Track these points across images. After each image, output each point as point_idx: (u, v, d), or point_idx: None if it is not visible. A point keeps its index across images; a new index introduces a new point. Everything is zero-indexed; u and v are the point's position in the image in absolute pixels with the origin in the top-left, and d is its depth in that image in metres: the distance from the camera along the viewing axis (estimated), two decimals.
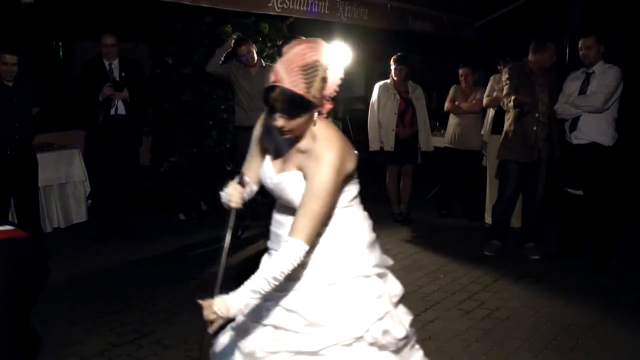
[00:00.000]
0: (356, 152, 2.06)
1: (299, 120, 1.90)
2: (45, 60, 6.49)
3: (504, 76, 4.94)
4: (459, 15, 8.13)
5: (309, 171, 1.94)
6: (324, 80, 1.91)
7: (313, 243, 1.97)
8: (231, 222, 2.15)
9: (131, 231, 5.54)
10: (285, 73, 1.85)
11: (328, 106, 2.00)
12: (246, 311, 1.97)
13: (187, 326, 3.61)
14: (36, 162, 5.05)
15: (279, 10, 5.47)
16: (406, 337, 2.12)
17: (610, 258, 4.67)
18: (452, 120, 6.38)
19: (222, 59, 5.46)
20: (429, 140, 6.24)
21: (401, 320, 2.13)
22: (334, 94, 1.99)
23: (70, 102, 6.40)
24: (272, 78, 1.87)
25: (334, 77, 1.95)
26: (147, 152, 6.56)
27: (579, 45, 4.63)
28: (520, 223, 5.38)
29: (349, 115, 8.75)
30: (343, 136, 2.02)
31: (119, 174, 5.36)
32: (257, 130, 2.15)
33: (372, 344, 2.03)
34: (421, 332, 3.63)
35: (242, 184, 2.16)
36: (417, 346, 2.29)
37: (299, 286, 2.03)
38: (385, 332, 2.03)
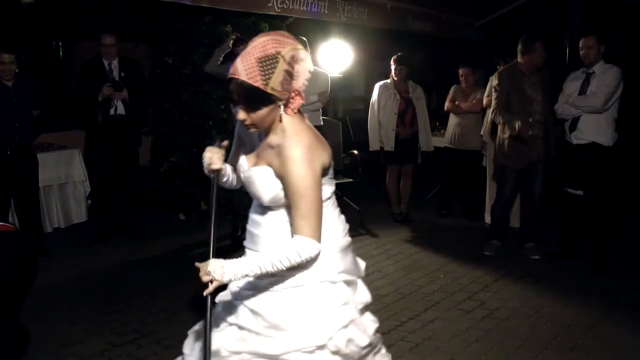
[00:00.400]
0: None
1: (259, 113, 1.87)
2: (45, 60, 6.49)
3: (494, 81, 4.95)
4: (459, 15, 8.14)
5: (280, 170, 1.90)
6: (288, 73, 1.85)
7: (279, 236, 1.98)
8: (215, 185, 2.11)
9: (131, 231, 5.54)
10: (242, 65, 1.82)
11: (298, 101, 1.93)
12: (234, 286, 2.00)
13: (187, 326, 3.58)
14: (36, 163, 5.05)
15: (279, 10, 5.47)
16: (370, 345, 2.08)
17: (610, 258, 4.67)
18: (452, 120, 6.39)
19: (221, 59, 5.46)
20: (429, 140, 6.24)
21: (365, 328, 2.09)
22: (303, 87, 1.92)
23: (70, 102, 6.40)
24: (231, 70, 1.84)
25: (302, 70, 1.88)
26: (147, 152, 6.56)
27: (580, 45, 4.63)
28: (519, 223, 5.38)
29: (349, 116, 8.75)
30: (314, 131, 1.99)
31: (118, 174, 5.36)
32: (237, 124, 2.11)
33: (334, 353, 1.98)
34: (421, 332, 3.65)
35: (220, 147, 2.13)
36: (383, 351, 2.24)
37: (264, 286, 2.00)
38: (349, 341, 2.00)
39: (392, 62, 6.02)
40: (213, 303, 1.94)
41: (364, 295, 2.18)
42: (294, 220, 1.90)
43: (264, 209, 2.04)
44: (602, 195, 4.65)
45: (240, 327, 2.01)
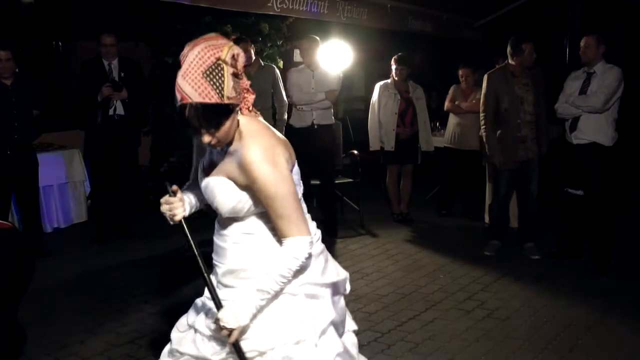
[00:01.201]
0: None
1: (223, 129, 1.75)
2: (45, 60, 6.49)
3: (484, 83, 4.96)
4: (459, 15, 8.13)
5: (242, 179, 1.81)
6: (235, 75, 1.74)
7: (245, 248, 1.91)
8: (188, 233, 1.96)
9: (131, 231, 5.54)
10: (190, 86, 1.70)
11: (249, 97, 1.85)
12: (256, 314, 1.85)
13: None
14: (36, 163, 5.04)
15: (279, 10, 5.47)
16: None
17: (610, 258, 4.67)
18: (452, 120, 6.39)
19: None
20: (429, 140, 6.24)
21: (316, 352, 1.89)
22: (249, 83, 1.84)
23: (70, 102, 6.40)
24: (178, 97, 1.72)
25: (242, 64, 1.78)
26: (147, 152, 6.56)
27: (581, 44, 4.64)
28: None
29: (349, 116, 8.75)
30: (272, 130, 1.90)
31: (118, 174, 5.36)
32: (196, 139, 1.96)
33: None
34: (421, 332, 3.65)
35: (171, 193, 1.96)
36: None
37: (224, 295, 1.92)
38: (285, 359, 1.86)
39: (393, 62, 6.02)
40: (240, 350, 1.84)
41: (326, 314, 1.94)
42: (276, 224, 1.82)
43: (228, 220, 1.95)
44: (602, 195, 4.65)
45: (196, 331, 2.00)
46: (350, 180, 6.10)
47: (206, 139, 1.75)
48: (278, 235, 1.86)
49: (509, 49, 4.83)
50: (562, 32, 6.83)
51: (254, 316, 1.82)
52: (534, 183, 4.94)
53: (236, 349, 1.82)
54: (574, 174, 4.75)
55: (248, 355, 1.85)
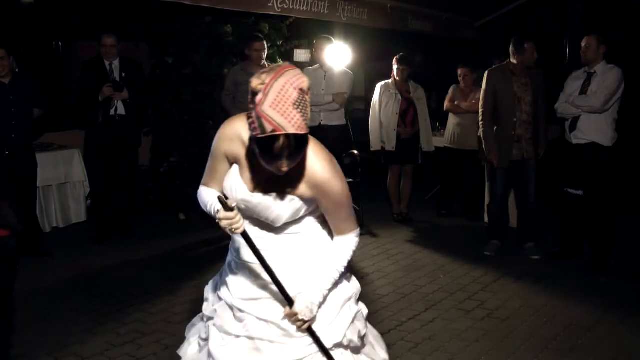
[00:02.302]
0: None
1: (302, 156, 1.79)
2: (45, 60, 6.49)
3: (484, 79, 4.97)
4: (459, 15, 8.13)
5: (309, 192, 1.90)
6: (308, 102, 1.75)
7: (293, 247, 1.99)
8: (251, 243, 1.91)
9: (131, 231, 5.54)
10: (282, 117, 1.67)
11: None
12: (228, 298, 2.01)
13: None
14: (35, 163, 5.03)
15: (279, 10, 5.46)
16: (365, 333, 2.15)
17: (610, 258, 4.67)
18: (452, 120, 6.39)
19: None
20: (430, 140, 6.25)
21: (363, 316, 2.16)
22: None
23: (70, 102, 6.40)
24: (268, 127, 1.66)
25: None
26: (147, 152, 6.56)
27: (581, 44, 4.65)
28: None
29: (349, 116, 8.76)
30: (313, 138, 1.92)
31: (118, 174, 5.35)
32: (227, 145, 1.98)
33: (346, 347, 2.03)
34: (421, 332, 3.64)
35: (230, 207, 1.85)
36: (375, 332, 2.32)
37: (267, 296, 1.99)
38: (358, 334, 2.07)
39: (394, 62, 6.03)
40: (319, 342, 1.96)
41: (356, 284, 2.19)
42: (336, 225, 2.00)
43: (268, 224, 1.98)
44: (601, 195, 4.65)
45: (251, 338, 1.97)
46: (351, 180, 6.10)
47: (285, 168, 1.75)
48: (334, 232, 2.02)
49: (511, 47, 4.84)
50: (562, 32, 6.82)
51: (320, 305, 1.97)
52: (531, 184, 4.94)
53: (314, 337, 1.95)
54: (574, 174, 4.75)
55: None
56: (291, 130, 1.68)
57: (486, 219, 5.89)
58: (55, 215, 5.77)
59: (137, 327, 3.67)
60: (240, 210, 1.92)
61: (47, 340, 3.46)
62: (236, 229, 1.87)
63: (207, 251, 5.17)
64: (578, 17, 6.55)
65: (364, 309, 2.19)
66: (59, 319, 3.78)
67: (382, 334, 3.57)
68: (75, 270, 4.70)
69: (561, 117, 4.75)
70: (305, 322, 1.92)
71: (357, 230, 2.03)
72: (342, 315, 2.03)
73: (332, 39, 5.72)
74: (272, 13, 5.52)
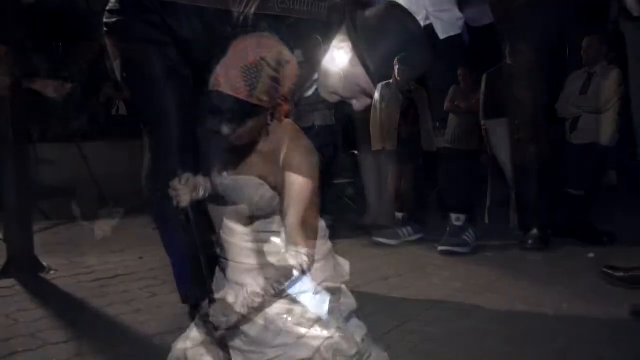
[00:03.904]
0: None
1: (245, 126, 1.76)
2: (45, 60, 6.49)
3: (482, 82, 4.98)
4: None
5: (275, 179, 1.84)
6: (274, 79, 1.73)
7: (266, 246, 1.91)
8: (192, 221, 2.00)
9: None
10: (224, 76, 1.71)
11: (284, 107, 1.84)
12: None
13: (187, 327, 3.60)
14: None
15: (279, 10, 5.46)
16: (357, 353, 1.98)
17: (610, 256, 4.67)
18: (452, 120, 6.38)
19: None
20: (431, 140, 6.24)
21: (352, 336, 2.00)
22: (290, 93, 1.85)
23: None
24: (211, 82, 1.74)
25: (288, 74, 1.79)
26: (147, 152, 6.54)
27: (582, 44, 4.66)
28: (518, 223, 5.39)
29: (349, 115, 8.76)
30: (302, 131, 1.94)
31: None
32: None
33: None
34: (421, 332, 3.64)
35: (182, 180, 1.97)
36: (374, 354, 2.13)
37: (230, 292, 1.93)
38: (336, 351, 1.90)
39: (395, 62, 6.02)
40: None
41: (348, 301, 2.11)
42: (288, 229, 1.86)
43: (248, 219, 1.95)
44: (600, 195, 4.66)
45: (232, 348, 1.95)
46: (351, 180, 6.11)
47: (224, 129, 1.75)
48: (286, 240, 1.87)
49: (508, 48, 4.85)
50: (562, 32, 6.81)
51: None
52: (532, 184, 4.95)
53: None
54: (574, 174, 4.76)
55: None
56: (226, 89, 1.70)
57: (486, 219, 5.91)
58: None
59: (137, 327, 3.66)
60: (219, 197, 1.94)
61: (46, 341, 3.46)
62: (180, 201, 1.92)
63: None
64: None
65: (357, 330, 2.06)
66: (58, 319, 3.78)
67: (382, 334, 3.58)
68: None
69: (561, 117, 4.76)
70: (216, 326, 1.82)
71: (308, 250, 1.80)
72: (316, 329, 1.89)
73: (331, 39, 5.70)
74: (272, 13, 5.52)
